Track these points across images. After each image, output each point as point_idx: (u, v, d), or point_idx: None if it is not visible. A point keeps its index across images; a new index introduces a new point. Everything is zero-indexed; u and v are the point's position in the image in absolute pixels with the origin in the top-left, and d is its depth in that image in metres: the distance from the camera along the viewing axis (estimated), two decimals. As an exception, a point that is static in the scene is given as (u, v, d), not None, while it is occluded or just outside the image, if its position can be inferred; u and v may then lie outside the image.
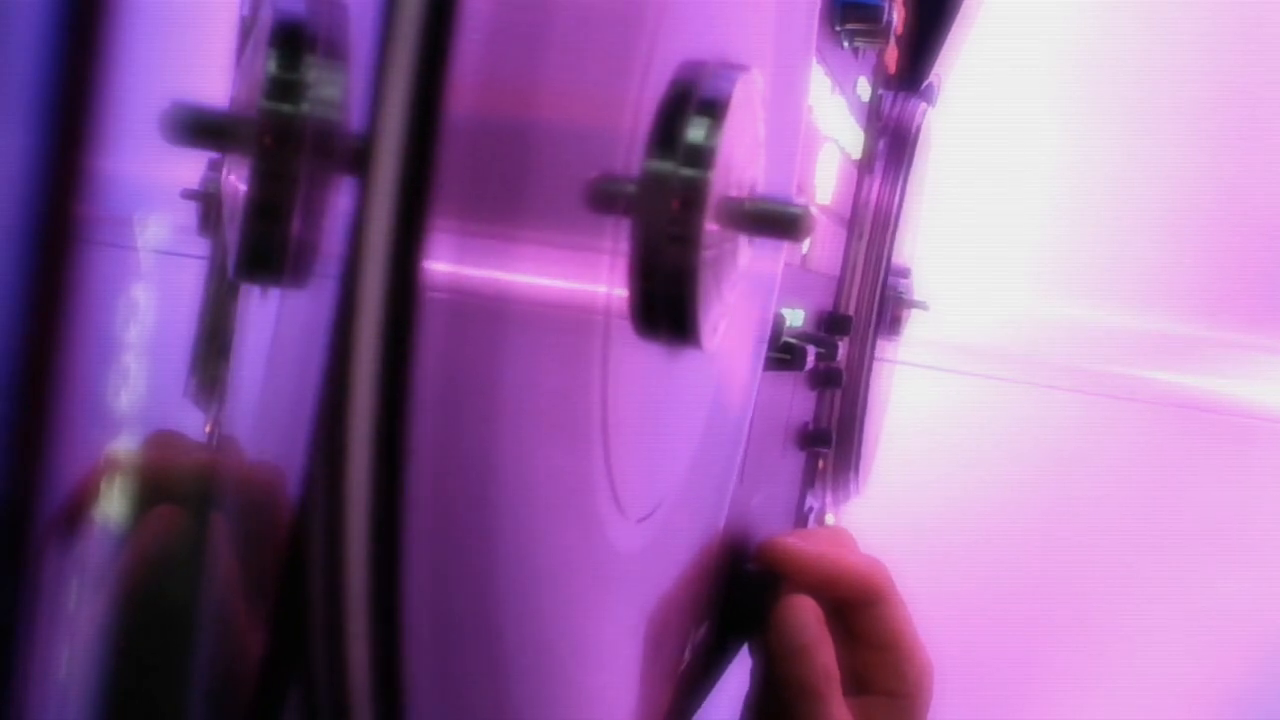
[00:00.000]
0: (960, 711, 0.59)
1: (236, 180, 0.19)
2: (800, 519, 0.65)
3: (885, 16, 0.50)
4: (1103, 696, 1.24)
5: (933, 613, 0.51)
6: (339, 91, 0.19)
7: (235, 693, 0.20)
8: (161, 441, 0.19)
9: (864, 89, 0.59)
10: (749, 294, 0.37)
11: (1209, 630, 1.21)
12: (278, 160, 0.18)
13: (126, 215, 0.17)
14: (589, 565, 0.30)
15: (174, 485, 0.20)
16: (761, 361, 0.44)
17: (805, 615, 0.46)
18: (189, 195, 0.20)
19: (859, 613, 0.48)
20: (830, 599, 0.47)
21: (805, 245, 0.51)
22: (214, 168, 0.19)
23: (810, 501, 0.67)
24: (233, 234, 0.19)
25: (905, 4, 0.63)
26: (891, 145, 0.65)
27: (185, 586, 0.20)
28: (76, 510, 0.17)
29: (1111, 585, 1.23)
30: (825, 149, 0.51)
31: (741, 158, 0.29)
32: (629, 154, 0.26)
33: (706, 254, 0.28)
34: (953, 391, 1.24)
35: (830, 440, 0.63)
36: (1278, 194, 1.22)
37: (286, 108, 0.18)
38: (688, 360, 0.33)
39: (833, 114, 0.52)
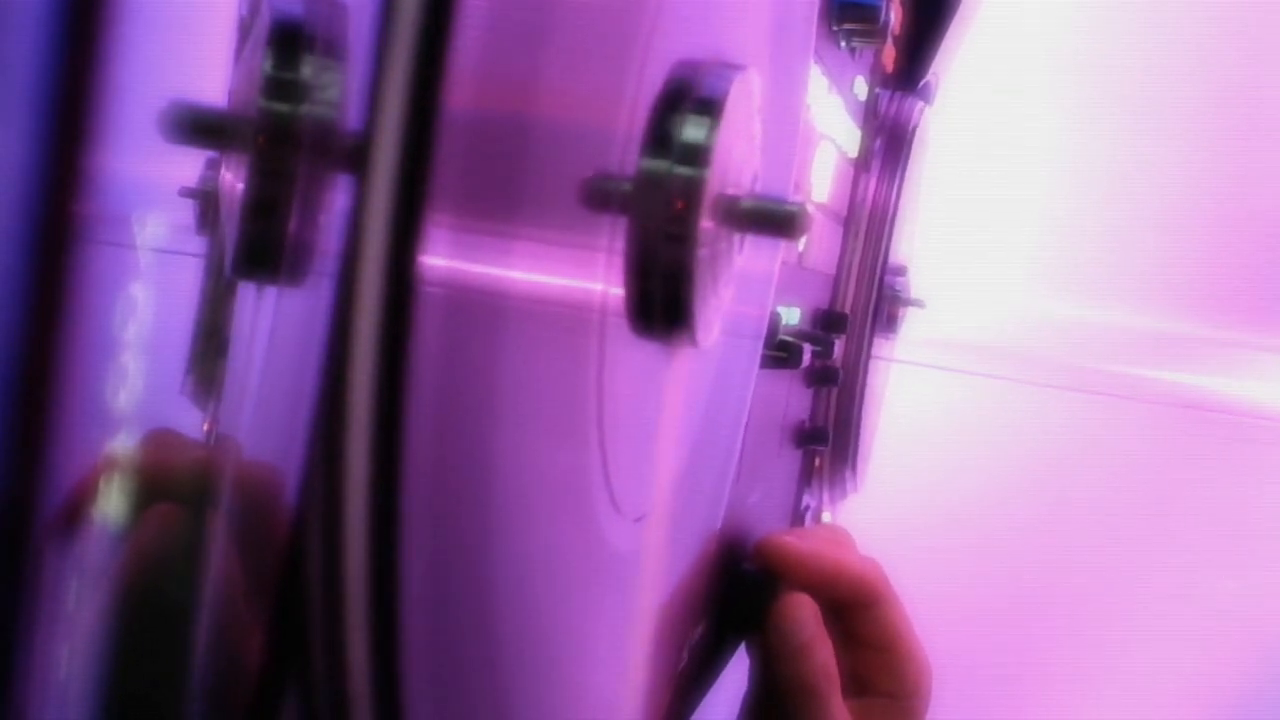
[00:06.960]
0: (957, 712, 0.59)
1: (234, 179, 0.19)
2: (797, 517, 0.65)
3: (882, 17, 0.50)
4: (1101, 697, 1.24)
5: (929, 611, 0.51)
6: (337, 90, 0.19)
7: (234, 691, 0.20)
8: (159, 440, 0.19)
9: (861, 88, 0.59)
10: (746, 292, 0.37)
11: (1208, 630, 1.21)
12: (275, 159, 0.18)
13: (125, 213, 0.17)
14: (586, 564, 0.30)
15: (172, 484, 0.20)
16: (758, 359, 0.44)
17: (803, 613, 0.46)
18: (187, 193, 0.20)
19: (857, 614, 0.48)
20: (827, 599, 0.47)
21: (802, 243, 0.51)
22: (212, 166, 0.19)
23: (807, 499, 0.67)
24: (230, 232, 0.19)
25: (903, 3, 0.63)
26: (888, 144, 0.65)
27: (183, 585, 0.20)
28: (75, 509, 0.17)
29: (1110, 584, 1.23)
30: (822, 147, 0.51)
31: (738, 156, 0.29)
32: (624, 152, 0.26)
33: (702, 252, 0.28)
34: (949, 390, 1.24)
35: (827, 438, 0.63)
36: (1277, 193, 1.22)
37: (284, 107, 0.18)
38: (684, 358, 0.33)
39: (829, 113, 0.52)
